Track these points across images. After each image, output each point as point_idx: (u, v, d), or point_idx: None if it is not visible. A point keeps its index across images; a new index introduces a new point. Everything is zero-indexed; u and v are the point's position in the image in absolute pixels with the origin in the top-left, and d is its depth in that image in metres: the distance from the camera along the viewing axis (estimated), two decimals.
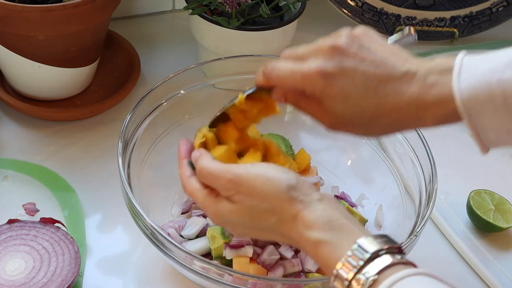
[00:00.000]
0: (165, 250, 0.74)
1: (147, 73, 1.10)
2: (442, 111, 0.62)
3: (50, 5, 0.90)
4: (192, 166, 0.69)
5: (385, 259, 0.57)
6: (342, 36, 0.65)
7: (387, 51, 0.65)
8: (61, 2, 0.94)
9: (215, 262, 0.78)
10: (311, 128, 0.96)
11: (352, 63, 0.64)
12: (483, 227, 0.92)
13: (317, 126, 0.96)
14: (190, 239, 0.83)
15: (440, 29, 1.23)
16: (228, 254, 0.80)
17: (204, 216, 0.86)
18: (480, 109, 0.60)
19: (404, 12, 1.22)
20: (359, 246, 0.58)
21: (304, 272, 0.81)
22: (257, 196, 0.63)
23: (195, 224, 0.84)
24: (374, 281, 0.56)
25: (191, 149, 0.72)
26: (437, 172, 0.81)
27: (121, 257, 0.86)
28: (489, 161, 1.02)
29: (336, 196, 0.89)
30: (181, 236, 0.83)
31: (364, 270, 0.57)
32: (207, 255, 0.81)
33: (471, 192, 0.93)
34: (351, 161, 0.94)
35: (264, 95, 0.71)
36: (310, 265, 0.80)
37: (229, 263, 0.80)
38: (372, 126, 0.65)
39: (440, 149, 0.89)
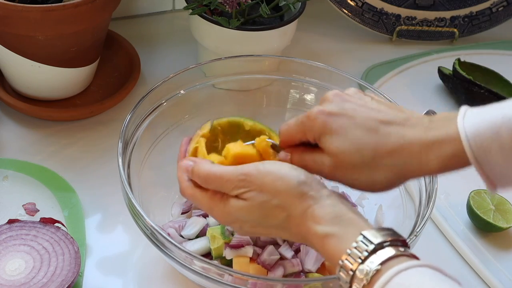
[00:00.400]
0: (165, 250, 0.74)
1: (147, 73, 1.10)
2: (446, 150, 0.62)
3: (50, 5, 0.90)
4: None
5: (389, 251, 0.58)
6: (348, 89, 0.69)
7: (390, 104, 0.67)
8: (61, 2, 0.94)
9: (215, 262, 0.78)
10: None
11: (353, 105, 0.66)
12: (483, 227, 0.92)
13: None
14: (190, 239, 0.83)
15: (440, 29, 1.23)
16: (228, 254, 0.80)
17: (204, 216, 0.85)
18: (486, 146, 0.60)
19: (404, 12, 1.22)
20: (364, 237, 0.59)
21: (304, 272, 0.80)
22: (268, 192, 0.64)
23: (195, 224, 0.84)
24: (377, 271, 0.57)
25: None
26: None
27: (121, 257, 0.86)
28: None
29: None
30: (181, 236, 0.83)
31: (368, 260, 0.58)
32: (207, 255, 0.81)
33: (471, 192, 0.93)
34: None
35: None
36: (310, 265, 0.80)
37: (229, 263, 0.80)
38: (373, 169, 0.64)
39: None
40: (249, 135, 0.78)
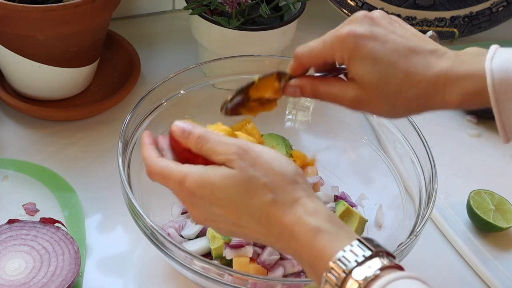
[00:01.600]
0: (165, 250, 0.74)
1: (147, 73, 1.10)
2: (470, 86, 0.62)
3: (50, 5, 0.90)
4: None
5: (385, 260, 0.57)
6: (375, 12, 0.67)
7: (416, 33, 0.67)
8: (61, 2, 0.94)
9: (215, 262, 0.78)
10: (311, 128, 0.96)
11: (383, 31, 0.66)
12: (483, 227, 0.92)
13: (317, 125, 0.97)
14: (190, 239, 0.83)
15: (440, 29, 1.23)
16: (228, 254, 0.80)
17: None
18: (509, 92, 0.60)
19: (404, 12, 1.22)
20: (361, 242, 0.58)
21: (304, 272, 0.80)
22: (261, 168, 0.60)
23: (195, 224, 0.84)
24: (376, 276, 0.56)
25: (155, 140, 0.69)
26: (437, 172, 0.81)
27: (121, 257, 0.86)
28: (489, 161, 1.02)
29: (336, 196, 0.89)
30: (181, 236, 0.83)
31: (366, 264, 0.57)
32: (207, 255, 0.82)
33: (471, 192, 0.93)
34: (351, 161, 0.94)
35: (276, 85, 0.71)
36: None
37: (229, 263, 0.80)
38: (397, 99, 0.65)
39: (440, 149, 0.89)
40: None
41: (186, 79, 0.91)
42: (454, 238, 0.90)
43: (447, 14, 1.23)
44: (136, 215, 0.77)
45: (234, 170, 0.60)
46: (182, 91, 0.91)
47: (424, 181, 0.82)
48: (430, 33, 0.70)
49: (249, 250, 0.79)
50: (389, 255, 0.58)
